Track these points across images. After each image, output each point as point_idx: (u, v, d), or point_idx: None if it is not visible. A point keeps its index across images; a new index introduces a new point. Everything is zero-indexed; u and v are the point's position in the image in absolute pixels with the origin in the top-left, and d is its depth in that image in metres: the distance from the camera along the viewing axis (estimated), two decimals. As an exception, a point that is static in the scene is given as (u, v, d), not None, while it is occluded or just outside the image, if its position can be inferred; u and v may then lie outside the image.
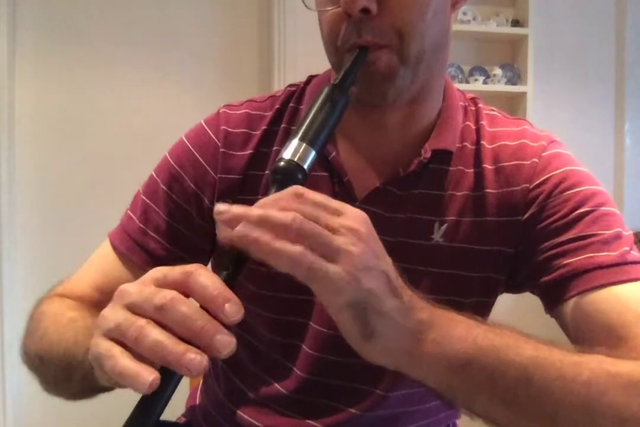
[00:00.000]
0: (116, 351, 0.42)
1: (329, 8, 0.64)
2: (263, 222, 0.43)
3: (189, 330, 0.41)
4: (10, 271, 2.10)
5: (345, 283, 0.43)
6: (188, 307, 0.41)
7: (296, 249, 0.42)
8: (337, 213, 0.46)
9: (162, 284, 0.44)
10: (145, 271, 0.46)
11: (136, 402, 0.43)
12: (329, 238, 0.43)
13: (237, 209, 0.45)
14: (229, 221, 0.45)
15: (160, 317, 0.41)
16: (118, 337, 0.42)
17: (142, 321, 0.41)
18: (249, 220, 0.43)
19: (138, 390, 0.40)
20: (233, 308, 0.41)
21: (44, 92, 2.15)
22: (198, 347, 0.40)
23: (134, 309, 0.43)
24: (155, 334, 0.41)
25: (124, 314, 0.43)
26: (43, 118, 2.16)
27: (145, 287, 0.43)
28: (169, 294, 0.42)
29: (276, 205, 0.45)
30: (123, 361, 0.41)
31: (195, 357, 0.40)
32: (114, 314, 0.43)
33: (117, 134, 2.20)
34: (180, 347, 0.40)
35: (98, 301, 0.72)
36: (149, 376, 0.40)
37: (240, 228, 0.43)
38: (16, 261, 2.12)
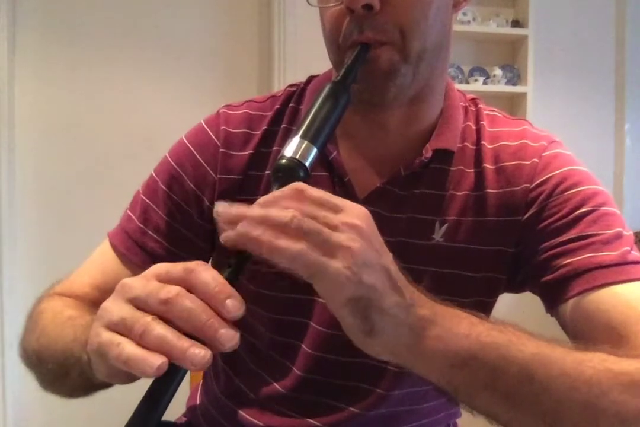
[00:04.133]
0: (121, 339, 0.42)
1: (332, 4, 0.64)
2: (262, 221, 0.44)
3: (194, 324, 0.41)
4: (10, 271, 2.10)
5: (345, 279, 0.43)
6: (192, 302, 0.42)
7: (297, 246, 0.42)
8: (337, 210, 0.46)
9: (164, 279, 0.44)
10: (144, 270, 0.46)
11: (138, 401, 0.43)
12: (328, 235, 0.43)
13: (237, 209, 0.45)
14: (228, 221, 0.45)
15: (164, 312, 0.42)
16: (122, 331, 0.43)
17: (148, 317, 0.42)
18: (249, 219, 0.44)
19: (146, 374, 0.40)
20: (234, 303, 0.42)
21: (44, 92, 2.15)
22: (202, 341, 0.41)
23: (138, 303, 0.43)
24: (160, 329, 0.41)
25: (129, 309, 0.43)
26: (43, 118, 2.16)
27: (149, 282, 0.44)
28: (174, 289, 0.42)
29: (276, 204, 0.45)
30: (129, 347, 0.41)
31: (200, 352, 0.40)
32: (117, 307, 0.44)
33: (118, 134, 2.20)
34: (185, 342, 0.41)
35: (97, 299, 0.71)
36: (158, 359, 0.40)
37: (241, 227, 0.44)
38: (16, 261, 2.12)
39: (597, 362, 0.50)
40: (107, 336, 0.43)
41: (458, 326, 0.49)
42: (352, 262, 0.43)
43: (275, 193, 0.46)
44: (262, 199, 0.46)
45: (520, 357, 0.49)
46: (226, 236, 0.45)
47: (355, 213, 0.46)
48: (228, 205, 0.45)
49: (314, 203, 0.45)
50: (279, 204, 0.45)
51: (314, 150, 0.53)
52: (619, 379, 0.50)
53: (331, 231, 0.44)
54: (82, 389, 0.61)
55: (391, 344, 0.47)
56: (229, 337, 0.41)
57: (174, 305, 0.42)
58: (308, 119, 0.55)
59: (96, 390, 0.59)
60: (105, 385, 0.55)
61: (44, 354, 0.63)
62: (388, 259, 0.47)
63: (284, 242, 0.43)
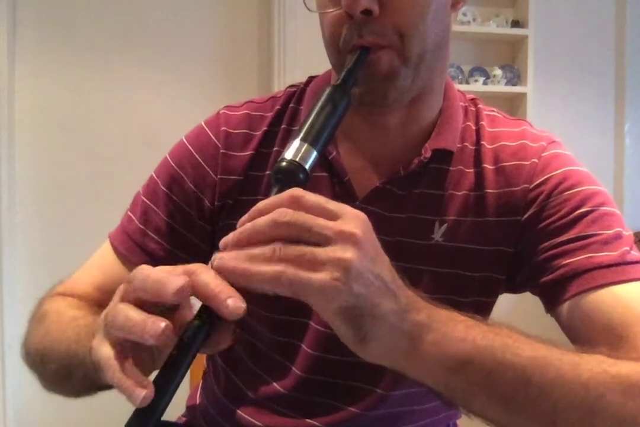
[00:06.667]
0: (114, 362, 0.43)
1: (331, 9, 0.65)
2: (249, 258, 0.44)
3: (152, 291, 0.43)
4: (10, 271, 2.10)
5: (332, 290, 0.43)
6: (152, 271, 0.44)
7: (274, 268, 0.42)
8: (334, 216, 0.45)
9: None
10: None
11: None
12: (313, 255, 0.43)
13: (227, 256, 0.45)
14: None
15: (134, 292, 0.44)
16: (108, 328, 0.44)
17: (117, 303, 0.44)
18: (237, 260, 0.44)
19: (133, 404, 0.41)
20: (236, 303, 0.42)
21: (44, 92, 2.15)
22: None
23: (124, 297, 0.45)
24: (124, 310, 0.43)
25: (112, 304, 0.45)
26: (43, 118, 2.16)
27: None
28: (146, 270, 0.44)
29: (269, 215, 0.45)
30: (119, 373, 0.43)
31: (155, 323, 0.41)
32: (109, 308, 0.45)
33: (117, 134, 2.20)
34: (142, 316, 0.42)
35: (98, 300, 0.72)
36: (142, 391, 0.41)
37: (217, 261, 0.44)
38: (16, 261, 2.12)
39: (594, 365, 0.50)
40: (104, 353, 0.44)
41: (454, 330, 0.49)
42: (342, 273, 0.43)
43: (272, 199, 0.46)
44: (260, 205, 0.46)
45: (516, 361, 0.49)
46: (225, 241, 0.47)
47: (352, 220, 0.45)
48: (218, 255, 0.45)
49: (310, 210, 0.45)
50: (271, 218, 0.44)
51: (314, 153, 0.53)
52: (616, 382, 0.50)
53: (317, 250, 0.43)
54: (86, 390, 0.61)
55: (387, 350, 0.47)
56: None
57: (134, 280, 0.44)
58: (309, 122, 0.55)
59: (101, 390, 0.59)
60: (110, 386, 0.55)
61: (48, 355, 0.63)
62: (384, 265, 0.47)
63: (261, 268, 0.43)
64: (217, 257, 0.44)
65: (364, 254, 0.44)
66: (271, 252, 0.43)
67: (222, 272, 0.43)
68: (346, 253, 0.43)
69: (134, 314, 0.43)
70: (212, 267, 0.45)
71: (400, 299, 0.47)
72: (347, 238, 0.44)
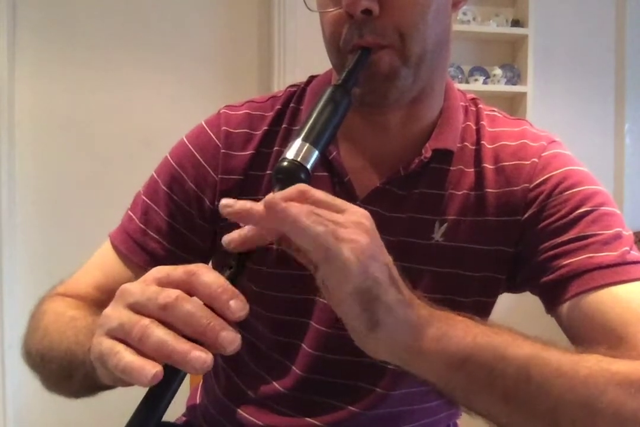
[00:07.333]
0: (120, 347, 0.42)
1: (331, 9, 0.65)
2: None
3: (194, 328, 0.41)
4: (10, 271, 2.10)
5: (355, 268, 0.43)
6: (193, 305, 0.42)
7: (319, 227, 0.43)
8: (340, 211, 0.46)
9: (165, 283, 0.44)
10: (146, 270, 0.47)
11: (139, 400, 0.43)
12: (336, 229, 0.44)
13: (243, 204, 0.45)
14: (234, 214, 0.45)
15: (164, 317, 0.42)
16: (121, 337, 0.42)
17: (145, 320, 0.42)
18: (258, 212, 0.44)
19: (142, 383, 0.40)
20: (238, 304, 0.42)
21: (44, 92, 2.15)
22: (203, 344, 0.41)
23: (137, 308, 0.43)
24: (160, 333, 0.41)
25: (127, 314, 0.43)
26: (43, 118, 2.16)
27: (148, 286, 0.44)
28: (174, 293, 0.42)
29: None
30: (127, 356, 0.41)
31: (200, 355, 0.40)
32: (116, 313, 0.44)
33: (118, 134, 2.20)
34: (185, 345, 0.40)
35: (99, 300, 0.72)
36: (153, 368, 0.40)
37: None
38: (16, 261, 2.12)
39: (593, 363, 0.51)
40: (108, 344, 0.43)
41: (454, 328, 0.49)
42: (359, 253, 0.43)
43: (279, 194, 0.46)
44: (266, 200, 0.46)
45: (517, 358, 0.49)
46: (230, 237, 0.47)
47: (357, 214, 0.47)
48: (233, 200, 0.46)
49: (316, 204, 0.46)
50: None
51: (316, 153, 0.53)
52: (615, 379, 0.50)
53: (338, 227, 0.44)
54: (86, 390, 0.61)
55: (390, 341, 0.48)
56: (230, 340, 0.41)
57: (173, 309, 0.41)
58: (310, 122, 0.55)
59: (101, 390, 0.59)
60: (110, 386, 0.55)
61: (48, 355, 0.63)
62: (388, 259, 0.48)
63: (312, 222, 0.42)
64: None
65: (374, 242, 0.46)
66: (306, 212, 0.43)
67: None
68: (360, 236, 0.44)
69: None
70: (223, 207, 0.45)
71: (404, 292, 0.48)
72: (357, 225, 0.45)
